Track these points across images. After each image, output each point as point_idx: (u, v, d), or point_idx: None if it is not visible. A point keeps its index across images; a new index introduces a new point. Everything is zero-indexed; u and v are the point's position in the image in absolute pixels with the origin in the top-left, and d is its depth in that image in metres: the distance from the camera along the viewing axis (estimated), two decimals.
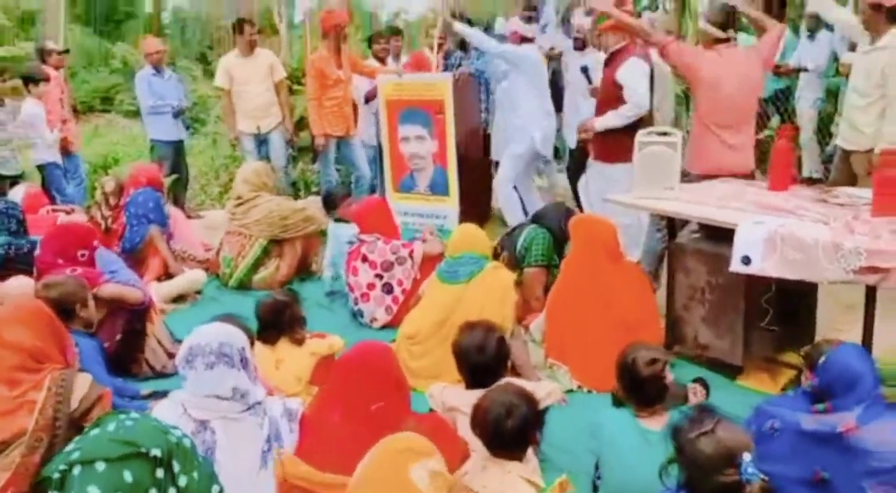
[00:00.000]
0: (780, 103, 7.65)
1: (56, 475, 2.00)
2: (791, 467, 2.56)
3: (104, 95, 15.06)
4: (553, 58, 6.82)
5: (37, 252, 3.98)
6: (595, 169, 5.27)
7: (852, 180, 4.71)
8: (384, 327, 4.61)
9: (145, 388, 3.74)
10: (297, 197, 7.22)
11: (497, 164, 6.40)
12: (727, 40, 4.41)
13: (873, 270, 2.92)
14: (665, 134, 4.07)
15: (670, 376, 2.88)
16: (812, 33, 7.24)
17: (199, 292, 5.23)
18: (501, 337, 3.06)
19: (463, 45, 6.67)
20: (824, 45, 7.15)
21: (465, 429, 2.57)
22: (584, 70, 6.09)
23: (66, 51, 7.64)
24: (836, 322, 4.17)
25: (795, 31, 7.59)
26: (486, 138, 6.84)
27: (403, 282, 4.63)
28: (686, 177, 4.37)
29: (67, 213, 5.47)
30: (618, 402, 3.01)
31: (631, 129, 4.74)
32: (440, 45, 7.00)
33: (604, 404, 3.17)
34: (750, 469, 1.93)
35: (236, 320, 2.91)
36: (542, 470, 2.68)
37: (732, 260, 3.38)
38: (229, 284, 5.35)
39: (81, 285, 3.49)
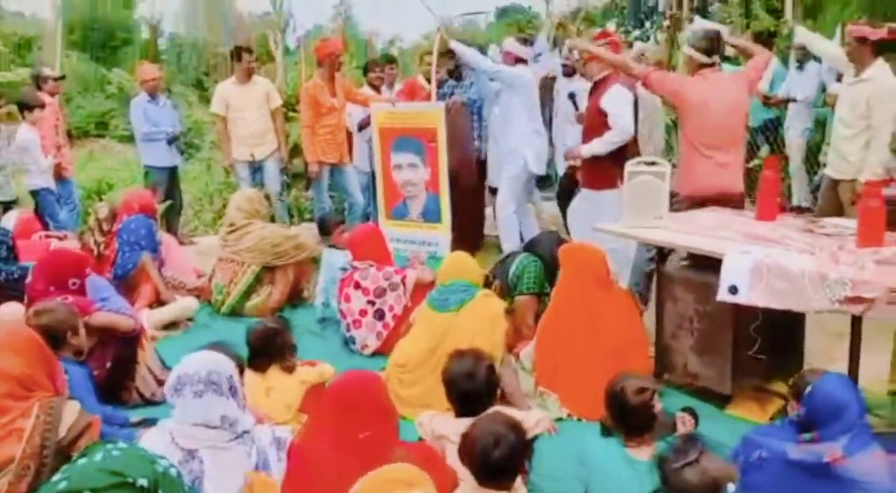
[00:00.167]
0: (769, 133, 7.73)
1: None
2: None
3: (99, 119, 15.13)
4: (544, 85, 6.89)
5: (28, 279, 3.98)
6: (583, 195, 5.33)
7: (839, 209, 4.78)
8: (374, 353, 4.62)
9: (135, 415, 3.72)
10: (291, 223, 7.25)
11: (495, 191, 6.45)
12: (712, 65, 4.49)
13: (858, 300, 2.95)
14: (653, 164, 4.11)
15: (658, 405, 2.89)
16: (801, 64, 7.33)
17: (190, 319, 5.23)
18: (491, 365, 3.08)
19: (455, 73, 6.73)
20: (813, 76, 7.25)
21: (453, 458, 2.58)
22: (572, 96, 6.18)
23: (62, 77, 7.69)
24: (825, 351, 4.20)
25: (784, 62, 7.69)
26: (479, 166, 6.89)
27: (395, 308, 4.65)
28: (675, 198, 4.42)
29: (60, 239, 5.48)
30: (606, 431, 3.02)
31: (617, 156, 4.82)
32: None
33: (593, 432, 3.17)
34: None
35: (225, 348, 2.92)
36: None
37: (720, 289, 3.41)
38: (221, 311, 5.36)
39: (72, 312, 3.49)
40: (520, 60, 6.16)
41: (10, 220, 5.58)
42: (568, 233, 5.92)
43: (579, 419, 3.76)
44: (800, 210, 6.85)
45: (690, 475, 2.02)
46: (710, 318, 3.77)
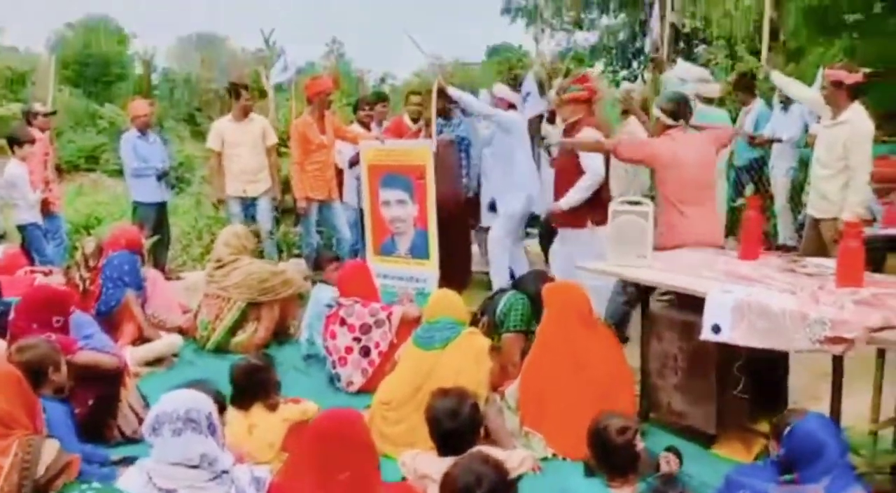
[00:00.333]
0: (754, 172, 7.82)
1: None
2: None
3: (90, 154, 15.20)
4: (531, 125, 6.98)
5: (11, 315, 3.96)
6: (559, 236, 5.52)
7: (822, 248, 4.85)
8: (360, 391, 4.59)
9: (116, 454, 3.67)
10: (279, 259, 7.26)
11: (487, 229, 6.51)
12: (676, 127, 4.68)
13: (838, 340, 2.97)
14: (637, 204, 4.16)
15: (641, 445, 2.90)
16: (785, 105, 7.46)
17: (175, 355, 5.20)
18: (475, 404, 3.08)
19: (444, 112, 6.82)
20: (797, 117, 7.37)
21: None
22: (543, 140, 6.31)
23: (53, 112, 7.73)
24: (809, 390, 4.20)
25: (769, 103, 7.82)
26: (467, 203, 6.95)
27: (380, 345, 4.64)
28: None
29: (45, 274, 5.48)
30: (590, 470, 3.02)
31: (588, 198, 5.12)
32: (418, 117, 7.17)
33: (576, 472, 3.16)
34: None
35: (205, 385, 2.91)
36: None
37: (703, 328, 3.43)
38: (206, 347, 5.34)
39: (54, 348, 3.47)
40: (512, 106, 6.37)
41: None
42: None
43: (564, 459, 3.74)
44: (786, 249, 6.91)
45: None
46: (694, 357, 3.78)
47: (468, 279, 6.78)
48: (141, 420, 3.90)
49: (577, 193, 5.15)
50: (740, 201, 7.30)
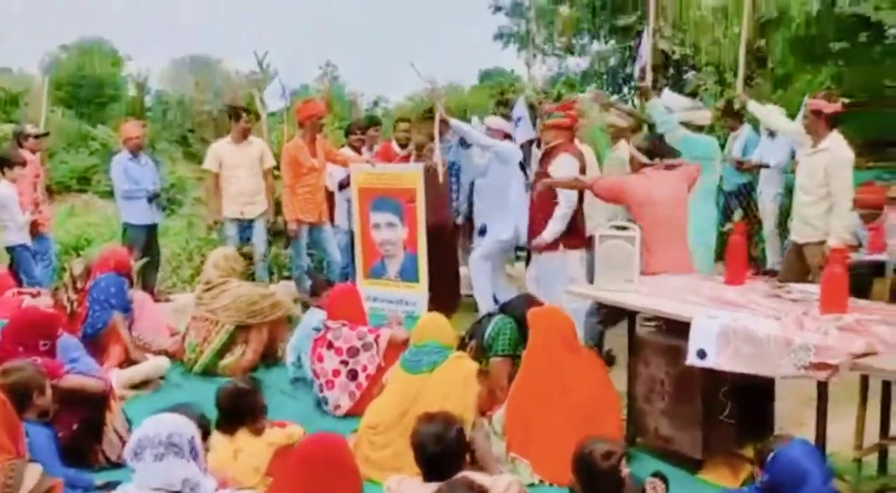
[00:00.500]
0: (742, 198, 7.88)
1: None
2: None
3: (81, 175, 15.19)
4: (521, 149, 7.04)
5: None
6: (533, 261, 5.68)
7: (803, 273, 4.90)
8: (347, 414, 4.58)
9: (100, 478, 3.65)
10: (270, 281, 7.25)
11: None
12: (651, 166, 4.80)
13: (822, 366, 2.98)
14: (624, 229, 4.19)
15: (626, 470, 2.90)
16: (772, 132, 7.53)
17: (162, 378, 5.17)
18: (460, 428, 3.06)
19: (434, 137, 6.88)
20: (784, 143, 7.43)
21: None
22: (523, 167, 6.38)
23: (45, 134, 7.73)
24: (796, 416, 4.21)
25: (757, 129, 7.90)
26: (456, 227, 6.98)
27: (368, 368, 4.64)
28: None
29: (33, 296, 5.45)
30: None
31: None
32: (406, 143, 7.23)
33: None
34: None
35: (189, 410, 2.90)
36: None
37: (689, 353, 3.44)
38: (194, 370, 5.32)
39: (39, 371, 3.46)
40: (507, 136, 6.45)
41: None
42: None
43: (551, 485, 3.73)
44: (773, 274, 6.94)
45: None
46: (681, 382, 3.79)
47: (457, 303, 6.79)
48: (125, 444, 3.88)
49: (556, 224, 5.28)
50: (728, 226, 7.34)
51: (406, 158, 7.08)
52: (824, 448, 3.28)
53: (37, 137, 7.25)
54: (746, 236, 4.79)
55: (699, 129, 6.55)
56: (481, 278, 6.27)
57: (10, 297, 5.41)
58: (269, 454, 3.51)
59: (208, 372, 5.26)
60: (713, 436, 3.77)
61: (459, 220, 6.98)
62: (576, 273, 5.33)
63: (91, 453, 3.90)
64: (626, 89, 14.50)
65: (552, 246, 5.31)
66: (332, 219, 7.11)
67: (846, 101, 4.94)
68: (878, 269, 5.40)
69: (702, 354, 3.39)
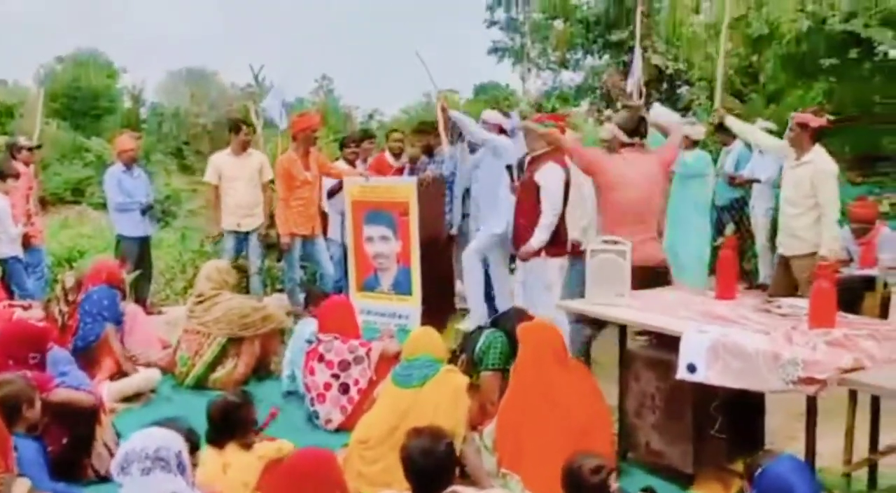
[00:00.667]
0: (734, 212, 7.91)
1: None
2: None
3: (75, 186, 15.19)
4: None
5: None
6: (519, 264, 5.73)
7: (791, 287, 4.92)
8: (339, 428, 4.56)
9: (89, 492, 3.64)
10: (263, 294, 7.24)
11: None
12: (632, 145, 4.81)
13: (811, 380, 2.99)
14: (615, 243, 4.20)
15: (615, 485, 2.89)
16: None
17: (153, 391, 5.15)
18: (449, 443, 3.06)
19: (428, 149, 6.90)
20: (774, 158, 7.47)
21: None
22: (510, 168, 6.38)
23: (38, 146, 7.74)
24: (786, 430, 4.21)
25: (748, 145, 7.94)
26: (450, 239, 6.99)
27: (359, 382, 4.63)
28: None
29: (25, 308, 5.44)
30: None
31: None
32: (399, 152, 7.25)
33: None
34: None
35: (177, 424, 2.89)
36: None
37: (679, 368, 3.45)
38: (185, 382, 5.30)
39: (29, 385, 3.45)
40: (503, 131, 6.41)
41: None
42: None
43: None
44: (765, 288, 6.97)
45: None
46: (672, 396, 3.79)
47: (451, 315, 6.78)
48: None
49: (542, 233, 5.29)
50: (721, 241, 7.37)
51: (400, 171, 7.10)
52: (814, 463, 3.28)
53: (30, 149, 7.27)
54: (738, 251, 4.82)
55: (693, 143, 6.59)
56: (473, 274, 6.22)
57: (0, 309, 5.40)
58: (259, 469, 3.48)
59: (200, 385, 5.25)
60: (704, 451, 3.77)
61: (453, 231, 6.98)
62: (554, 280, 5.37)
63: (80, 467, 3.88)
64: (618, 104, 14.57)
65: (535, 252, 5.35)
66: (325, 232, 7.13)
67: (831, 118, 4.99)
68: (869, 283, 5.43)
69: (691, 368, 3.40)
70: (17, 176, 6.61)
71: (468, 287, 6.31)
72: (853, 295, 5.23)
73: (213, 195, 7.04)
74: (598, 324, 4.50)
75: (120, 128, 15.49)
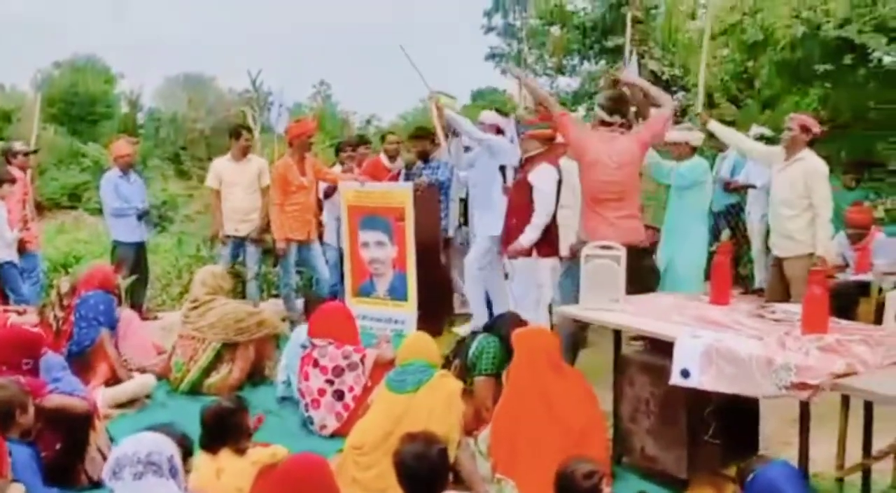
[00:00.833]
0: (731, 218, 7.93)
1: None
2: None
3: (72, 191, 15.19)
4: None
5: None
6: (510, 263, 5.78)
7: (786, 291, 4.94)
8: (334, 434, 4.55)
9: None
10: (259, 299, 7.24)
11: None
12: (611, 125, 4.86)
13: (803, 386, 3.00)
14: (609, 248, 4.21)
15: (608, 490, 2.90)
16: None
17: (148, 397, 5.14)
18: (443, 448, 3.06)
19: (423, 155, 6.91)
20: (765, 164, 7.50)
21: None
22: (502, 169, 6.40)
23: (35, 151, 7.74)
24: (780, 436, 4.22)
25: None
26: (446, 244, 7.00)
27: (354, 388, 4.62)
28: (582, 244, 4.59)
29: (19, 313, 5.44)
30: None
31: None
32: (395, 155, 7.28)
33: None
34: None
35: (170, 429, 2.89)
36: None
37: (672, 373, 3.45)
38: (180, 388, 5.29)
39: (22, 390, 3.45)
40: (500, 131, 6.42)
41: None
42: None
43: None
44: (761, 293, 6.98)
45: None
46: (666, 401, 3.80)
47: (447, 321, 6.79)
48: None
49: (532, 232, 5.33)
50: (716, 246, 7.38)
51: (396, 177, 7.11)
52: (807, 468, 3.29)
53: (26, 154, 7.26)
54: (733, 256, 4.83)
55: (693, 150, 6.59)
56: (476, 285, 6.26)
57: None
58: (253, 474, 3.48)
59: (195, 391, 5.24)
60: (698, 456, 3.78)
61: (451, 233, 6.99)
62: (544, 281, 5.40)
63: (74, 472, 3.86)
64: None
65: (526, 252, 5.37)
66: (320, 237, 7.13)
67: (825, 128, 5.07)
68: (864, 289, 5.45)
69: (685, 373, 3.41)
70: (13, 181, 6.61)
71: (470, 294, 6.33)
72: (848, 301, 5.26)
73: (214, 200, 7.06)
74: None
75: (117, 133, 15.48)
